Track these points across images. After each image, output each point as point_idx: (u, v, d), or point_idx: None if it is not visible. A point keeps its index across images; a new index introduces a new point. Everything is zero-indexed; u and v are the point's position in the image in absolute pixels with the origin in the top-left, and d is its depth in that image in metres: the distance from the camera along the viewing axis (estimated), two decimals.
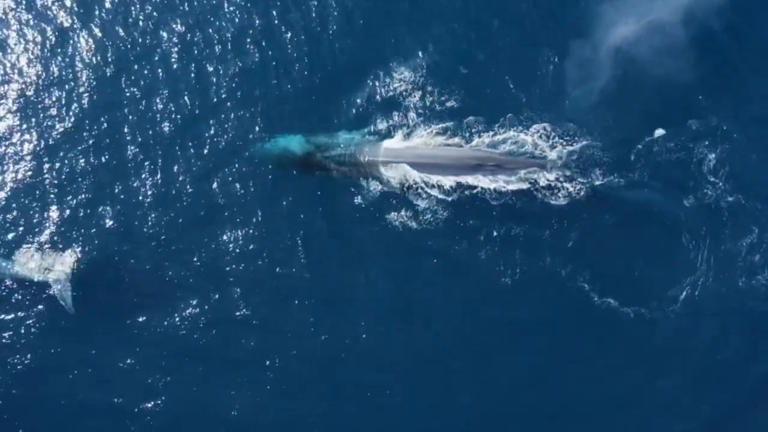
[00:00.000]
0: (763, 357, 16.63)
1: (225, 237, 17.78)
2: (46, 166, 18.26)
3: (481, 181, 17.09)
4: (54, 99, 18.66)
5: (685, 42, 17.87)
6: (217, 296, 17.51)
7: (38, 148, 18.35)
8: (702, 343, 16.73)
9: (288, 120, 18.46)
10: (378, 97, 18.28)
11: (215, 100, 18.54)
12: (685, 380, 16.61)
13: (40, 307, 17.41)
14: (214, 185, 18.10)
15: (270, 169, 18.07)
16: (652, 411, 16.60)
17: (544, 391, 16.84)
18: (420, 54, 18.55)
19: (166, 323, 17.38)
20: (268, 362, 17.18)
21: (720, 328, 16.78)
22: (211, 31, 19.05)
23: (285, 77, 18.69)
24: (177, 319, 17.39)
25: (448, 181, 17.22)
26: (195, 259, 17.73)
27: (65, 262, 17.43)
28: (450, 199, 17.31)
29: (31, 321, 17.34)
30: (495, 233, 17.25)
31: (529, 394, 16.85)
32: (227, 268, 17.65)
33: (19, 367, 17.19)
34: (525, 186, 17.12)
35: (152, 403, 17.02)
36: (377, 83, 18.32)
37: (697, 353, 16.71)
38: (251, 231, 17.79)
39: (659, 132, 17.60)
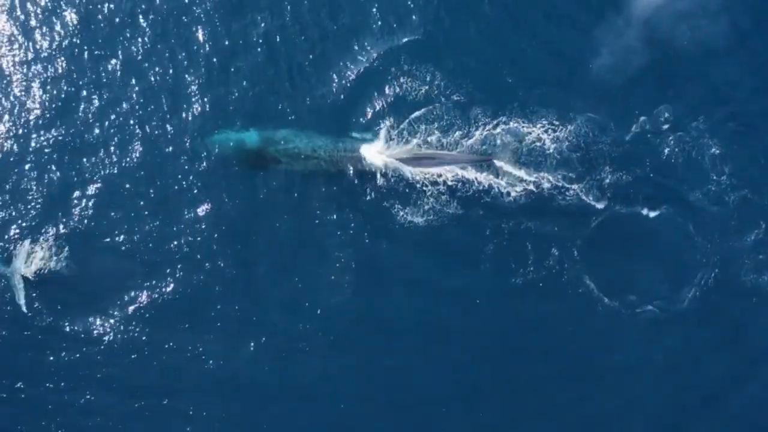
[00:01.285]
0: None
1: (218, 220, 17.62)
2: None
3: (486, 180, 16.91)
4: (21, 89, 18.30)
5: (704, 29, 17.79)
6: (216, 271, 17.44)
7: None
8: (706, 342, 16.75)
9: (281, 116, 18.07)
10: (377, 92, 17.83)
11: (182, 90, 18.14)
12: (689, 377, 16.74)
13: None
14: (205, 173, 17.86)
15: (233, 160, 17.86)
16: (656, 410, 16.78)
17: (543, 379, 16.91)
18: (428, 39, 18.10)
19: (153, 298, 17.29)
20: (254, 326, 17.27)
21: (725, 328, 16.81)
22: (186, 23, 18.56)
23: (277, 67, 18.24)
24: (162, 293, 17.30)
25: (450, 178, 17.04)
26: (181, 240, 17.52)
27: (21, 255, 17.14)
28: (455, 197, 17.07)
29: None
30: (498, 231, 17.04)
31: (527, 383, 16.95)
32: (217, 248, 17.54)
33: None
34: (531, 187, 16.86)
35: (144, 370, 17.08)
36: (373, 77, 17.87)
37: (703, 353, 16.75)
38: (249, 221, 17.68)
39: None
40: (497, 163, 16.89)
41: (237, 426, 16.82)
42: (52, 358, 17.01)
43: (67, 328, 17.13)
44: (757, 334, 16.76)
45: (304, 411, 16.86)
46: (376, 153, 17.19)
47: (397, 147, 17.12)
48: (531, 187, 16.86)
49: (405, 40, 18.06)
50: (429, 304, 17.20)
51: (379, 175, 17.22)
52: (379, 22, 18.19)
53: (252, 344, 17.03)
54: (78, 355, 17.05)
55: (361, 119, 17.65)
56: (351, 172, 17.34)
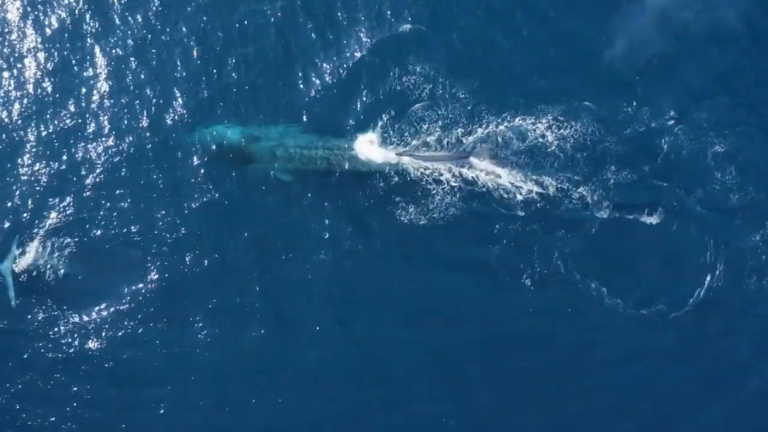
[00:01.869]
0: None
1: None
2: None
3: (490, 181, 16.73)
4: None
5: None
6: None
7: None
8: (710, 345, 16.69)
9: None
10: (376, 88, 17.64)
11: (178, 82, 18.07)
12: (692, 381, 16.68)
13: None
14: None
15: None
16: (658, 409, 16.74)
17: (548, 381, 16.85)
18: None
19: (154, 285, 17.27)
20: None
21: (728, 331, 16.72)
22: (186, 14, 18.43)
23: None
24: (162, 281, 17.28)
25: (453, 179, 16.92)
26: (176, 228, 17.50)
27: (12, 249, 17.07)
28: (460, 198, 16.91)
29: None
30: (503, 232, 16.90)
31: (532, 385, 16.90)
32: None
33: None
34: (535, 191, 16.73)
35: (146, 362, 17.04)
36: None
37: (705, 355, 16.69)
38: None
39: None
40: (474, 160, 16.70)
41: (240, 414, 16.85)
42: (55, 351, 17.00)
43: (69, 321, 17.10)
44: (760, 336, 16.68)
45: (308, 398, 16.89)
46: (374, 152, 17.01)
47: (391, 146, 16.97)
48: (532, 191, 16.75)
49: (409, 31, 17.81)
50: (430, 299, 17.13)
51: (378, 174, 17.11)
52: (381, 14, 17.94)
53: (256, 334, 17.00)
54: (80, 348, 17.01)
55: (358, 117, 17.48)
56: (346, 170, 17.20)
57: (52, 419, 16.59)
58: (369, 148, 16.97)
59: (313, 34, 18.04)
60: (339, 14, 18.10)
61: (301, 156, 17.25)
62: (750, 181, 16.96)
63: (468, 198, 16.89)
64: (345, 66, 17.70)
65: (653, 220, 16.79)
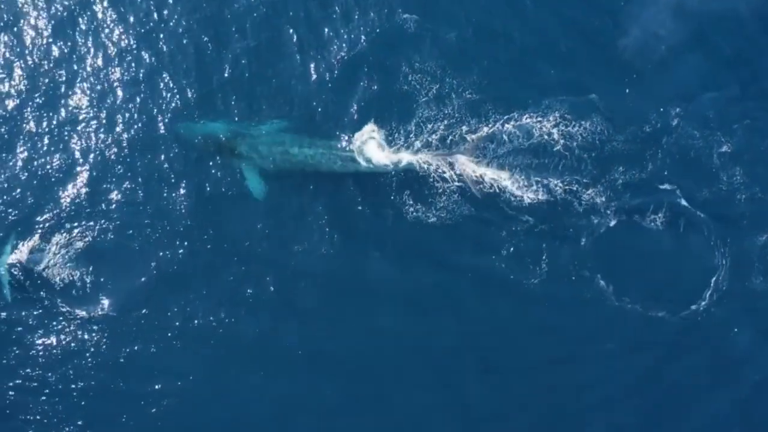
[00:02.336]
0: None
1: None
2: None
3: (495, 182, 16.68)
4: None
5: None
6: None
7: None
8: (715, 344, 16.70)
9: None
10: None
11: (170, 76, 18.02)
12: (695, 380, 16.72)
13: None
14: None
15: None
16: (659, 407, 16.79)
17: (552, 377, 16.94)
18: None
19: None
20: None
21: (734, 330, 16.72)
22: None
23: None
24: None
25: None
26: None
27: (9, 244, 17.08)
28: (467, 197, 16.90)
29: None
30: (509, 232, 16.93)
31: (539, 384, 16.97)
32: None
33: None
34: (542, 191, 16.72)
35: (150, 353, 17.06)
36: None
37: (710, 354, 16.72)
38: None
39: None
40: (459, 158, 16.65)
41: (243, 407, 16.93)
42: (61, 345, 17.01)
43: (74, 315, 17.09)
44: (765, 334, 16.72)
45: (310, 393, 16.92)
46: (377, 151, 16.91)
47: (394, 146, 16.89)
48: (538, 191, 16.73)
49: (416, 27, 17.71)
50: (436, 296, 17.19)
51: (381, 173, 17.06)
52: (392, 9, 17.86)
53: (261, 327, 17.02)
54: (86, 342, 17.04)
55: (361, 115, 17.39)
56: (349, 170, 17.13)
57: (62, 415, 16.70)
58: (371, 146, 16.89)
59: (321, 29, 17.95)
60: (348, 9, 18.00)
61: (304, 155, 17.16)
62: (757, 181, 16.94)
63: (476, 198, 16.85)
64: (351, 62, 17.63)
65: (660, 220, 16.78)
